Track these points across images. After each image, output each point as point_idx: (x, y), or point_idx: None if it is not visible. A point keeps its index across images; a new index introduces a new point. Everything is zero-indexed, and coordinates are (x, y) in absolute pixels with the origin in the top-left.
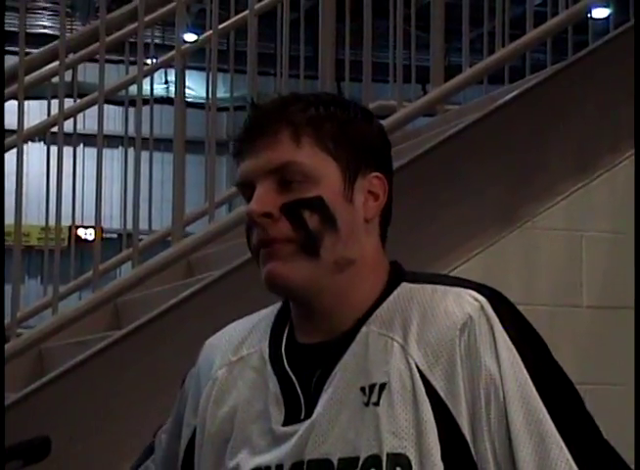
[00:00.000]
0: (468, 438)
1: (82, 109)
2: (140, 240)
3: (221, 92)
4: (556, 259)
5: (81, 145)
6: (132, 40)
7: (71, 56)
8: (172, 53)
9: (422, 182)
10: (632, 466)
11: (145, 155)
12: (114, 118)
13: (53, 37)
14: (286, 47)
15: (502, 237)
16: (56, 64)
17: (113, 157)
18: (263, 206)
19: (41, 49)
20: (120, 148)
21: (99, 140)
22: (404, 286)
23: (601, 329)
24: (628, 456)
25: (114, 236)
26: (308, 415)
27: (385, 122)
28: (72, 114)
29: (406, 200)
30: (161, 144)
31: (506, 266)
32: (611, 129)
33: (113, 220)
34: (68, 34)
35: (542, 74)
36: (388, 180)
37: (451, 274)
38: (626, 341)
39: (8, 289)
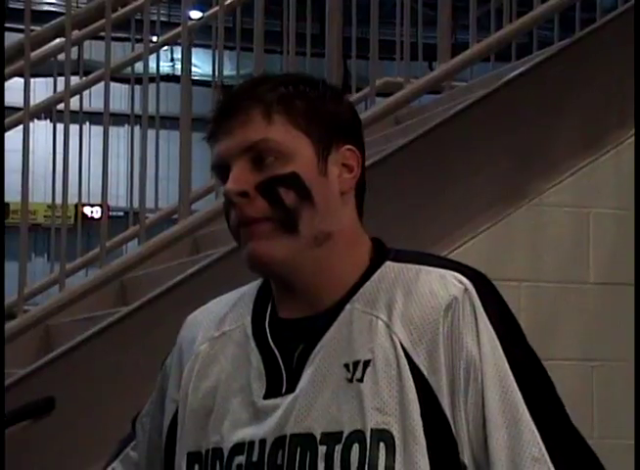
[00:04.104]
0: (448, 416)
1: (88, 86)
2: (146, 218)
3: (227, 70)
4: (563, 236)
5: (87, 123)
6: (138, 17)
7: (76, 33)
8: (178, 29)
9: (428, 159)
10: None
11: (151, 133)
12: (119, 96)
13: (58, 15)
14: (292, 24)
15: (509, 214)
16: (61, 40)
17: (119, 135)
18: (239, 184)
19: (47, 25)
20: (126, 126)
21: (105, 118)
22: (388, 265)
23: (608, 305)
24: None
25: (121, 214)
26: (290, 390)
27: (391, 99)
28: (78, 91)
29: (412, 176)
30: (167, 122)
31: (513, 243)
32: (618, 106)
33: (119, 199)
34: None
35: (549, 51)
36: (361, 153)
37: (459, 251)
38: (632, 317)
39: (15, 266)
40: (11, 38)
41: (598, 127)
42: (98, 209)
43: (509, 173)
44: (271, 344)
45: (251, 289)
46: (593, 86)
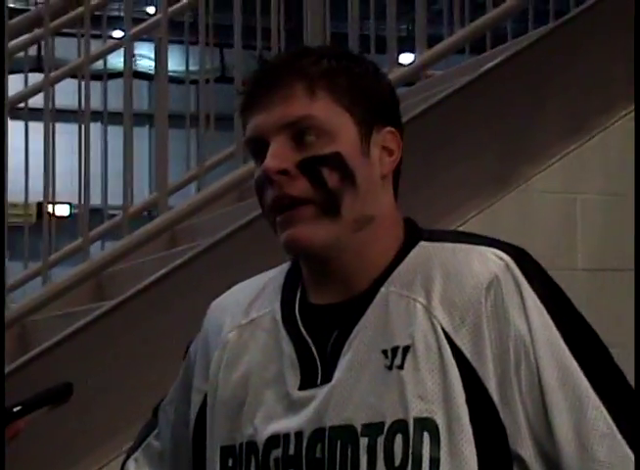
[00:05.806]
0: (496, 400)
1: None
2: (112, 216)
3: (192, 65)
4: (551, 222)
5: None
6: (98, 13)
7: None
8: (148, 22)
9: (415, 145)
10: None
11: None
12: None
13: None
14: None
15: (497, 200)
16: (25, 37)
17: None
18: (280, 162)
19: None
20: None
21: (85, 115)
22: (422, 245)
23: (596, 292)
24: None
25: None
26: (326, 379)
27: None
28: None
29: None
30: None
31: (501, 229)
32: (604, 89)
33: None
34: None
35: (532, 36)
36: (401, 136)
37: None
38: (621, 303)
39: None
40: None
41: (583, 112)
42: (65, 206)
43: (495, 160)
44: (303, 331)
45: (278, 273)
46: (578, 69)
